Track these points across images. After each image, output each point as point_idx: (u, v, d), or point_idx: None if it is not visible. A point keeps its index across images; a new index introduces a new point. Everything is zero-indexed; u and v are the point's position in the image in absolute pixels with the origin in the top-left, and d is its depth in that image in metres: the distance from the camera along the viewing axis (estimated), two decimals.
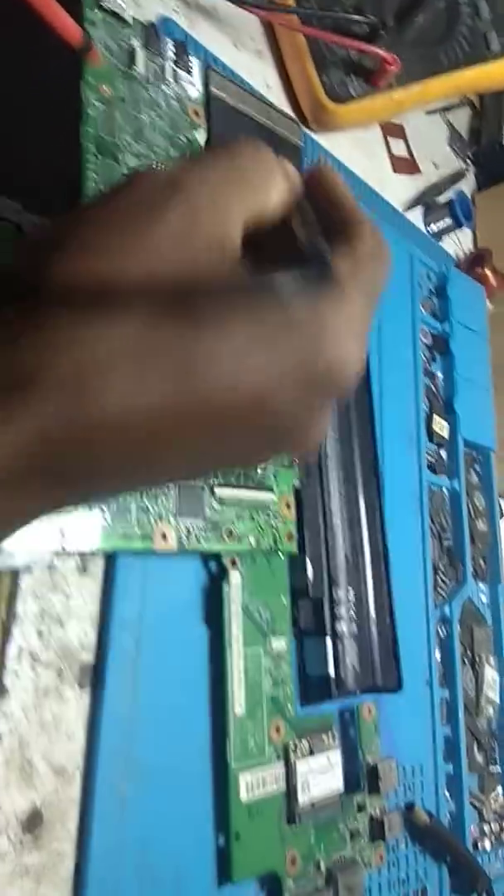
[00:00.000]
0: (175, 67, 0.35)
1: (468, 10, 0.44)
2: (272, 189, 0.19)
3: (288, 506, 0.35)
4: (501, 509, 0.58)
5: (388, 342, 0.49)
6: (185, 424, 0.16)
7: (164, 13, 0.38)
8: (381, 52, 0.42)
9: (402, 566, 0.43)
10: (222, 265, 0.17)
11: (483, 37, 0.44)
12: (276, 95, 0.45)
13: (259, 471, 0.34)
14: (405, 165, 0.57)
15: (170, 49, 0.35)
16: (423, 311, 0.53)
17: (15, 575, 0.25)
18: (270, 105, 0.40)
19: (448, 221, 0.58)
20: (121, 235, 0.17)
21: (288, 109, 0.45)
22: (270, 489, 0.34)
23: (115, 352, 0.16)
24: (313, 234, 0.19)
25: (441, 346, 0.54)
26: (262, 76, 0.44)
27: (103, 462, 0.16)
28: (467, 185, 0.67)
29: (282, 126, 0.41)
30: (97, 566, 0.28)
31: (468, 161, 0.67)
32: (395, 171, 0.56)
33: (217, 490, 0.32)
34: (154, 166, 0.19)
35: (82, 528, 0.26)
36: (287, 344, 0.17)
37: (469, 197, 0.61)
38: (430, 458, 0.50)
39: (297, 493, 0.36)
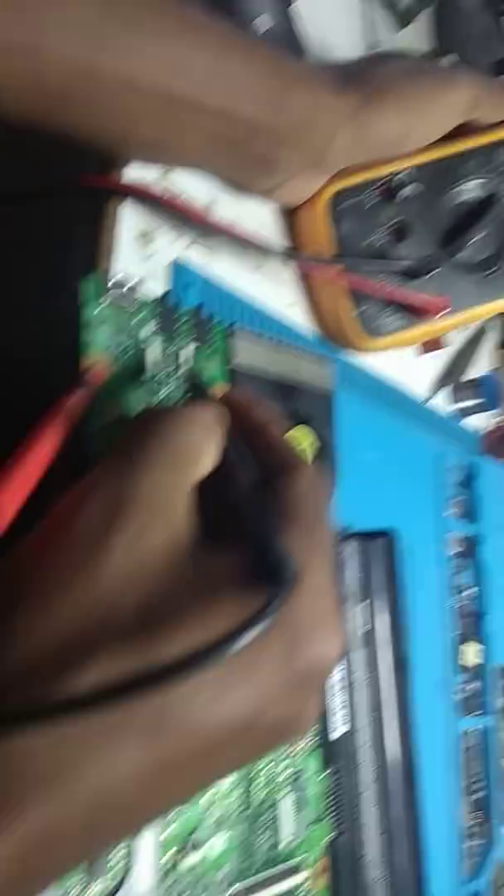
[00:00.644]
0: (193, 351, 0.29)
1: None
2: (209, 454, 0.20)
3: (319, 876, 0.29)
4: None
5: (414, 562, 0.43)
6: (173, 770, 0.16)
7: (179, 255, 0.32)
8: (429, 299, 0.36)
9: (429, 850, 0.38)
10: (180, 571, 0.17)
11: None
12: (301, 315, 0.39)
13: (285, 842, 0.28)
14: (432, 344, 0.51)
15: (185, 323, 0.29)
16: (450, 513, 0.48)
17: None
18: (299, 351, 0.35)
19: (475, 400, 0.53)
20: (65, 586, 0.16)
21: (312, 329, 0.39)
22: (299, 867, 0.29)
23: (85, 726, 0.15)
24: (256, 507, 0.19)
25: (471, 553, 0.49)
26: (285, 295, 0.38)
27: (97, 833, 0.16)
28: (488, 342, 0.62)
29: (312, 374, 0.35)
30: None
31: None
32: (422, 352, 0.50)
33: None
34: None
35: None
36: (265, 664, 0.17)
37: (496, 378, 0.55)
38: (459, 694, 0.45)
39: (329, 849, 0.30)
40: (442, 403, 0.53)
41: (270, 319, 0.35)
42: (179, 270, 0.31)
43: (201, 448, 0.20)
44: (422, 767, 0.38)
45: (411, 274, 0.37)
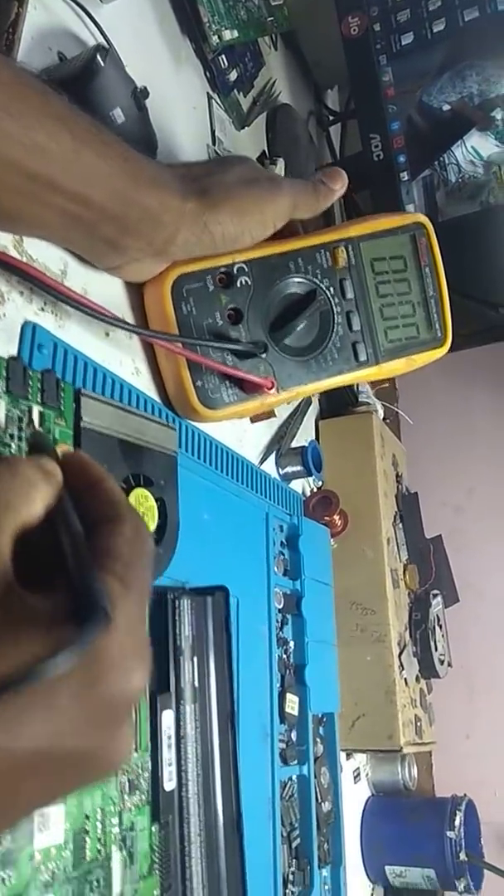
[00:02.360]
0: (42, 407, 0.30)
1: (341, 322, 0.45)
2: (36, 500, 0.21)
3: None
4: (340, 764, 0.57)
5: (245, 617, 0.46)
6: None
7: (30, 318, 0.33)
8: (258, 379, 0.40)
9: None
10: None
11: (352, 347, 0.45)
12: (146, 380, 0.41)
13: None
14: (262, 414, 0.56)
15: (35, 384, 0.30)
16: (276, 570, 0.52)
17: None
18: (145, 415, 0.37)
19: (299, 467, 0.58)
20: None
21: (156, 395, 0.42)
22: None
23: None
24: (79, 552, 0.21)
25: (293, 607, 0.53)
26: (132, 362, 0.40)
27: None
28: (313, 412, 0.68)
29: (156, 438, 0.37)
30: None
31: None
32: (252, 421, 0.55)
33: None
34: None
35: None
36: (65, 694, 0.18)
37: (319, 447, 0.61)
38: (280, 744, 0.47)
39: None
40: (272, 469, 0.58)
41: (118, 384, 0.37)
42: (31, 332, 0.32)
43: (26, 496, 0.21)
44: (246, 818, 0.40)
45: (244, 355, 0.41)
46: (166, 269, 0.39)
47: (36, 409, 0.30)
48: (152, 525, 0.35)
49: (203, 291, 0.40)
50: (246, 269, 0.42)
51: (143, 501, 0.35)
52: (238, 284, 0.41)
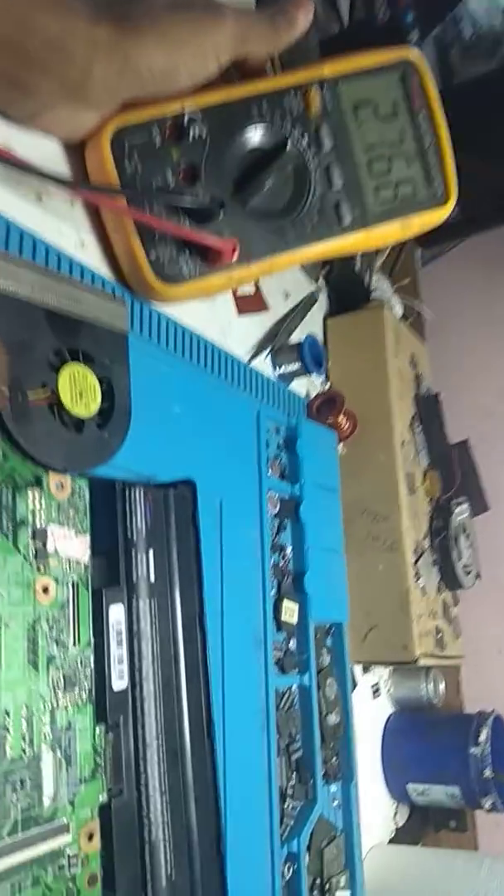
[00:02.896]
0: None
1: (319, 178, 0.39)
2: None
3: (91, 837, 0.27)
4: (354, 680, 0.53)
5: (231, 519, 0.43)
6: None
7: None
8: (218, 242, 0.35)
9: (243, 811, 0.37)
10: None
11: (335, 209, 0.39)
12: (94, 255, 0.37)
13: (48, 800, 0.26)
14: (251, 303, 0.51)
15: None
16: (270, 473, 0.48)
17: None
18: (82, 286, 0.32)
19: (298, 365, 0.53)
20: None
21: (109, 273, 0.37)
22: (65, 828, 0.26)
23: None
24: None
25: (291, 512, 0.49)
26: (75, 232, 0.36)
27: None
28: (320, 309, 0.63)
29: (98, 311, 0.33)
30: None
31: (320, 282, 0.62)
32: (239, 312, 0.50)
33: None
34: None
35: None
36: None
37: (320, 341, 0.56)
38: (277, 652, 0.44)
39: (105, 809, 0.28)
40: (268, 366, 0.53)
41: (53, 254, 0.33)
42: None
43: None
44: (228, 725, 0.37)
45: (203, 217, 0.36)
46: (104, 121, 0.34)
47: None
48: (94, 406, 0.32)
49: (149, 146, 0.35)
50: (199, 118, 0.36)
51: (79, 379, 0.31)
52: (191, 137, 0.36)
